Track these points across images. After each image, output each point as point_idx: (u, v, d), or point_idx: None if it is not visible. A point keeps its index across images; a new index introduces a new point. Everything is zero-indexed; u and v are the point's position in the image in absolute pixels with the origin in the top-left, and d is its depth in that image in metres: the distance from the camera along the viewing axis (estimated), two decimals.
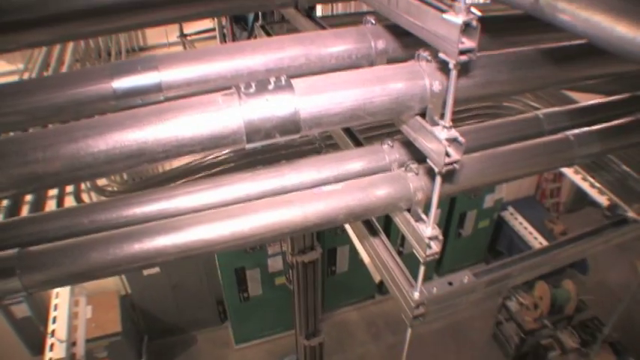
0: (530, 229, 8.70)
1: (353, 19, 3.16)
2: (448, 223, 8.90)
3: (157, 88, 1.43)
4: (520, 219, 9.09)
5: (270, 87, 1.27)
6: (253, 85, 1.27)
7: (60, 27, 2.08)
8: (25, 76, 5.10)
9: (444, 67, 1.36)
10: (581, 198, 9.88)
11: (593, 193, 3.96)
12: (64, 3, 1.42)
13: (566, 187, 10.70)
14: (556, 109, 2.29)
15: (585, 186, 4.02)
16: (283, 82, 1.28)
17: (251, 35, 3.26)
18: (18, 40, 2.13)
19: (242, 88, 1.27)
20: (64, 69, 4.96)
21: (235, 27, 4.55)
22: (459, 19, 1.19)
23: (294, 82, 1.30)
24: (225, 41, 5.20)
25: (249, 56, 1.43)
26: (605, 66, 1.80)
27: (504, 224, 9.28)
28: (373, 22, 1.61)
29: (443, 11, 1.24)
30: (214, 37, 5.87)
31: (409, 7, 1.35)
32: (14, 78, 5.33)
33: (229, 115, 1.24)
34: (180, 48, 6.41)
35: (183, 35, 6.37)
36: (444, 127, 1.37)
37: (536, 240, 8.30)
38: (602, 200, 3.87)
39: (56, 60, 4.82)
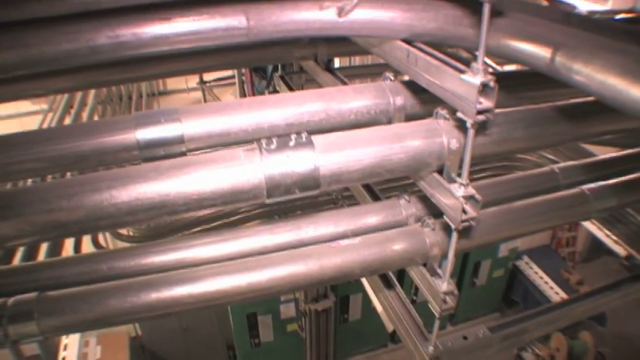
0: (546, 278, 8.57)
1: (370, 71, 3.22)
2: (462, 272, 8.81)
3: (180, 140, 1.47)
4: (535, 268, 8.98)
5: (291, 143, 1.31)
6: (274, 141, 1.31)
7: (85, 75, 2.16)
8: (49, 116, 5.21)
9: (461, 125, 1.39)
10: (597, 247, 9.75)
11: (610, 243, 3.92)
12: (92, 56, 1.47)
13: (582, 236, 10.58)
14: (572, 163, 2.30)
15: (602, 236, 3.98)
16: (304, 138, 1.32)
17: (270, 85, 3.33)
18: (45, 86, 2.20)
19: (263, 144, 1.30)
20: (87, 111, 5.08)
21: (254, 75, 4.66)
22: (477, 79, 1.22)
23: (315, 138, 1.33)
24: (244, 89, 5.32)
25: (270, 110, 1.47)
26: (620, 122, 1.82)
27: (519, 273, 9.16)
28: (392, 78, 1.65)
29: (461, 72, 1.27)
30: (233, 84, 5.99)
31: (428, 67, 1.38)
32: (38, 118, 5.45)
33: (251, 170, 1.27)
34: (199, 94, 6.54)
35: (202, 82, 6.50)
36: (461, 184, 1.39)
37: (552, 290, 8.17)
38: (620, 250, 3.83)
39: (79, 103, 4.95)
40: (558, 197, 1.99)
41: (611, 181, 2.10)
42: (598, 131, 1.86)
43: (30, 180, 2.98)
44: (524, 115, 1.67)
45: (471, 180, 1.44)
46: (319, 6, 1.43)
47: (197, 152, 1.50)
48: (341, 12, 1.43)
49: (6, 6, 1.42)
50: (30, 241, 1.59)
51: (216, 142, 1.48)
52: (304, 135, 1.33)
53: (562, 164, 2.28)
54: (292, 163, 1.29)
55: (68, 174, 2.75)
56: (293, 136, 1.32)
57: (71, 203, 1.26)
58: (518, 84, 1.90)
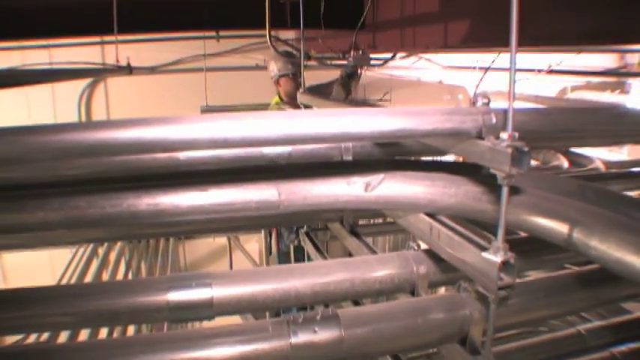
0: None
1: (393, 228, 3.31)
2: None
3: (209, 304, 1.52)
4: None
5: (318, 317, 1.35)
6: (302, 315, 1.36)
7: (119, 228, 2.26)
8: (79, 253, 5.36)
9: (483, 297, 1.43)
10: None
11: None
12: (132, 220, 1.56)
13: None
14: (600, 323, 2.28)
15: None
16: (330, 313, 1.37)
17: (296, 238, 3.43)
18: (79, 236, 2.31)
19: (291, 318, 1.36)
20: (115, 252, 5.23)
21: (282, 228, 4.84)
22: (497, 258, 1.29)
23: (341, 313, 1.38)
24: (270, 237, 5.47)
25: (298, 280, 1.54)
26: None
27: None
28: (415, 247, 1.72)
29: (483, 248, 1.34)
30: (259, 232, 6.15)
31: (451, 242, 1.46)
32: (67, 253, 5.60)
33: (278, 344, 1.31)
34: (224, 240, 6.69)
35: None
36: (485, 357, 1.41)
37: None
38: None
39: (108, 243, 5.11)
40: None
41: None
42: (623, 295, 1.87)
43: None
44: (545, 284, 1.71)
45: (495, 339, 1.46)
46: (347, 181, 1.54)
47: (225, 316, 1.55)
48: (367, 187, 1.53)
49: (58, 165, 1.55)
50: None
51: (244, 308, 1.53)
52: (331, 310, 1.38)
53: (589, 325, 2.26)
54: (319, 338, 1.33)
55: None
56: (320, 310, 1.37)
57: None
58: (538, 247, 1.94)
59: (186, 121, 1.23)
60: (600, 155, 3.79)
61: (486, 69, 6.21)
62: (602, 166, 3.32)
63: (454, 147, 1.46)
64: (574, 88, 8.60)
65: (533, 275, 2.06)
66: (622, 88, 7.95)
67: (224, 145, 1.23)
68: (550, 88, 8.26)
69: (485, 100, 1.42)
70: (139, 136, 1.22)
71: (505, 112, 1.32)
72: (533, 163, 3.38)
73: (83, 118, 7.39)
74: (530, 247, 1.89)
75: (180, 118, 1.24)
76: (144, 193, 1.55)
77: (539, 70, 6.68)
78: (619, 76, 7.43)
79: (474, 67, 7.58)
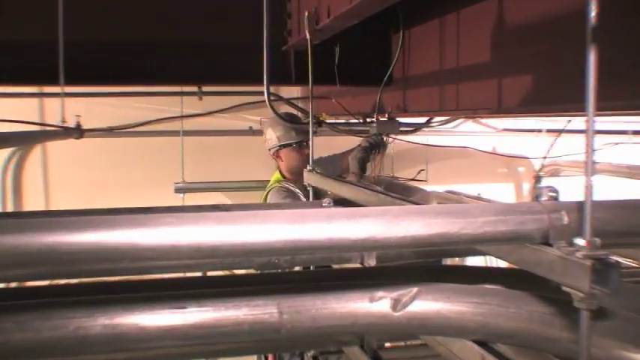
0: None
1: (430, 352, 3.32)
2: None
3: None
4: None
5: None
6: None
7: None
8: None
9: None
10: None
11: None
12: (83, 347, 1.59)
13: None
14: None
15: None
16: None
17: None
18: None
19: None
20: None
21: None
22: None
23: None
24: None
25: None
26: None
27: None
28: None
29: None
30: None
31: None
32: None
33: None
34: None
35: None
36: None
37: None
38: None
39: None
40: None
41: None
42: None
43: None
44: None
45: None
46: (370, 297, 1.55)
47: None
48: (397, 305, 1.54)
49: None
50: None
51: None
52: None
53: None
54: None
55: None
56: None
57: None
58: None
59: (164, 222, 1.25)
60: None
61: (559, 131, 6.19)
62: None
63: (511, 255, 1.47)
64: None
65: None
66: None
67: (212, 255, 1.26)
68: None
69: (553, 194, 1.44)
70: (100, 242, 1.23)
71: (580, 207, 1.30)
72: (624, 261, 3.35)
73: (9, 193, 7.34)
74: None
75: (155, 218, 1.27)
76: (98, 311, 1.52)
77: (635, 132, 6.57)
78: None
79: (540, 130, 7.61)
